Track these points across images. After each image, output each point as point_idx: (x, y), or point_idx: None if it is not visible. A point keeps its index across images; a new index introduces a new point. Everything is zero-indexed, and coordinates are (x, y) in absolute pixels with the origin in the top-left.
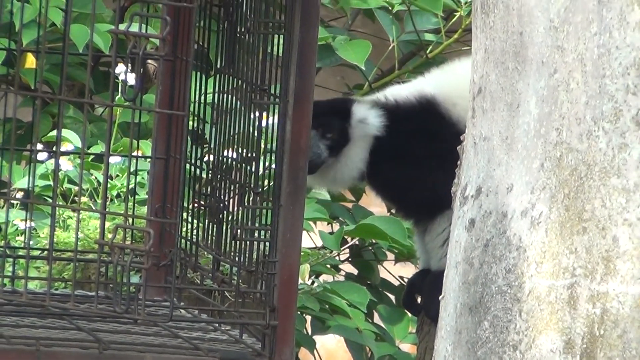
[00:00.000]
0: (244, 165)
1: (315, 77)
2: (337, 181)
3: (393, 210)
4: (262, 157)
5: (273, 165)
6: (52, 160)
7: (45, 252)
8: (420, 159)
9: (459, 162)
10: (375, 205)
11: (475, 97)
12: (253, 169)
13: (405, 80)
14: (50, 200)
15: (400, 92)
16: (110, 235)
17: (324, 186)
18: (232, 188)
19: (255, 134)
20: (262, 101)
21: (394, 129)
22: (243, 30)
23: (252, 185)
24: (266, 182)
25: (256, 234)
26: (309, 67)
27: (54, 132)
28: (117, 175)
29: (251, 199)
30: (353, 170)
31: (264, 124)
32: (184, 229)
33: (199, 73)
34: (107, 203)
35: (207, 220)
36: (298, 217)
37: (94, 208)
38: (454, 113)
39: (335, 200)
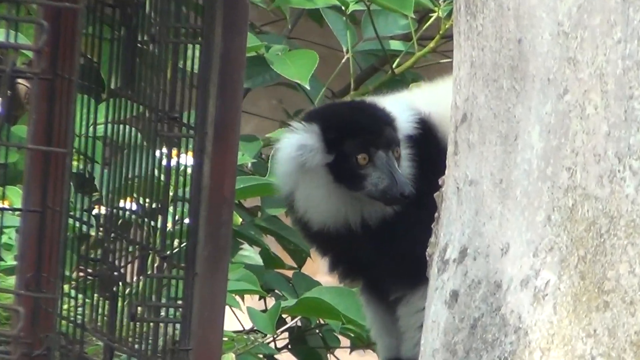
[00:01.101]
0: (146, 220)
1: (243, 101)
2: (370, 214)
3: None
4: (170, 209)
5: (186, 220)
6: None
7: None
8: (423, 196)
9: (436, 215)
10: (323, 273)
11: (459, 126)
12: (159, 225)
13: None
14: None
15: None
16: None
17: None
18: (130, 250)
19: (162, 177)
20: (171, 133)
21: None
22: (146, 38)
23: (157, 247)
24: (176, 242)
25: (163, 313)
26: (234, 87)
27: None
28: None
29: (156, 265)
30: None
31: (173, 163)
32: (66, 307)
33: (86, 96)
34: None
35: (96, 295)
36: (219, 290)
37: None
38: None
39: (270, 265)
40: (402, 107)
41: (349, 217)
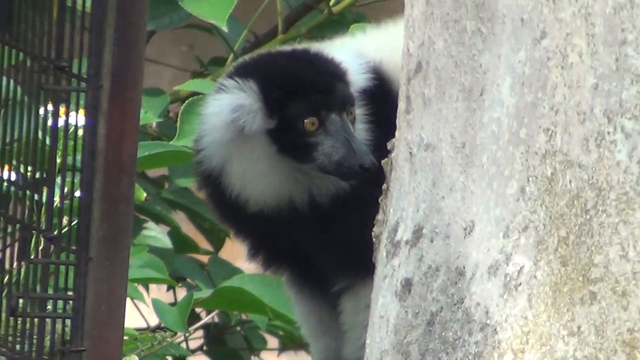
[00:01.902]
0: (28, 192)
1: (147, 47)
2: (320, 190)
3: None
4: (58, 180)
5: (77, 193)
6: None
7: None
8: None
9: (384, 187)
10: (243, 257)
11: (412, 78)
12: (43, 199)
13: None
14: None
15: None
16: None
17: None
18: (8, 231)
19: (47, 141)
20: (58, 87)
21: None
22: None
23: (41, 226)
24: (65, 220)
25: (49, 306)
26: (134, 30)
27: None
28: None
29: (41, 248)
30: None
31: (60, 124)
32: None
33: None
34: None
35: None
36: (119, 278)
37: None
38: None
39: (180, 249)
40: (350, 54)
41: (295, 195)
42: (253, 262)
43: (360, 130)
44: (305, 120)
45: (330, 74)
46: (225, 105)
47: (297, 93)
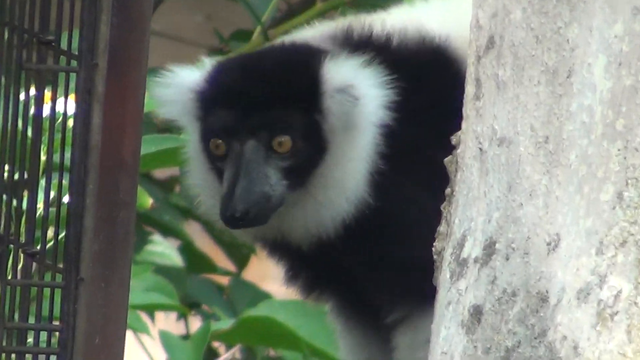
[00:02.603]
0: (4, 197)
1: (154, 18)
2: (310, 227)
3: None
4: (42, 181)
5: (65, 198)
6: None
7: None
8: (435, 169)
9: (447, 191)
10: (275, 278)
11: (482, 56)
12: (24, 206)
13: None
14: None
15: (378, 27)
16: None
17: (269, 234)
18: None
19: (29, 132)
20: (42, 65)
21: (404, 103)
22: None
23: (21, 239)
24: (51, 232)
25: (30, 338)
26: None
27: None
28: None
29: (20, 266)
30: (345, 201)
31: (45, 112)
32: None
33: None
34: None
35: None
36: (116, 305)
37: None
38: None
39: (194, 268)
40: (357, 66)
41: (269, 235)
42: (291, 287)
43: (276, 169)
44: (210, 141)
45: (261, 90)
46: (162, 92)
47: (213, 106)
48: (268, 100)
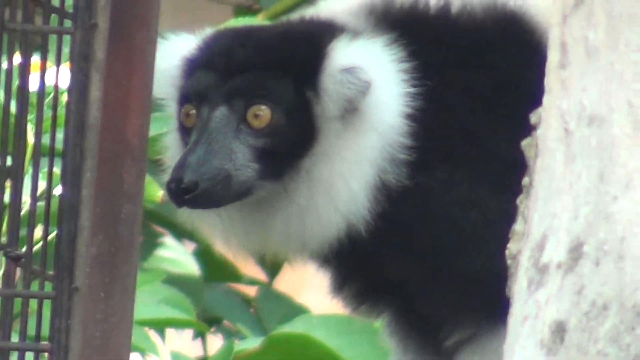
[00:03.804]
0: None
1: None
2: (292, 240)
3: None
4: (29, 169)
5: (57, 190)
6: None
7: None
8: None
9: (525, 181)
10: (313, 287)
11: (569, 15)
12: (6, 199)
13: None
14: None
15: None
16: None
17: (248, 244)
18: None
19: (13, 107)
20: (30, 26)
21: (442, 85)
22: None
23: (3, 240)
24: (39, 231)
25: (15, 359)
26: None
27: None
28: None
29: (1, 272)
30: (334, 213)
31: (34, 84)
32: None
33: None
34: None
35: None
36: (119, 320)
37: None
38: None
39: (214, 276)
40: (377, 49)
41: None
42: (336, 297)
43: (246, 145)
44: (183, 107)
45: (246, 53)
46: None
47: (194, 70)
48: (250, 63)
